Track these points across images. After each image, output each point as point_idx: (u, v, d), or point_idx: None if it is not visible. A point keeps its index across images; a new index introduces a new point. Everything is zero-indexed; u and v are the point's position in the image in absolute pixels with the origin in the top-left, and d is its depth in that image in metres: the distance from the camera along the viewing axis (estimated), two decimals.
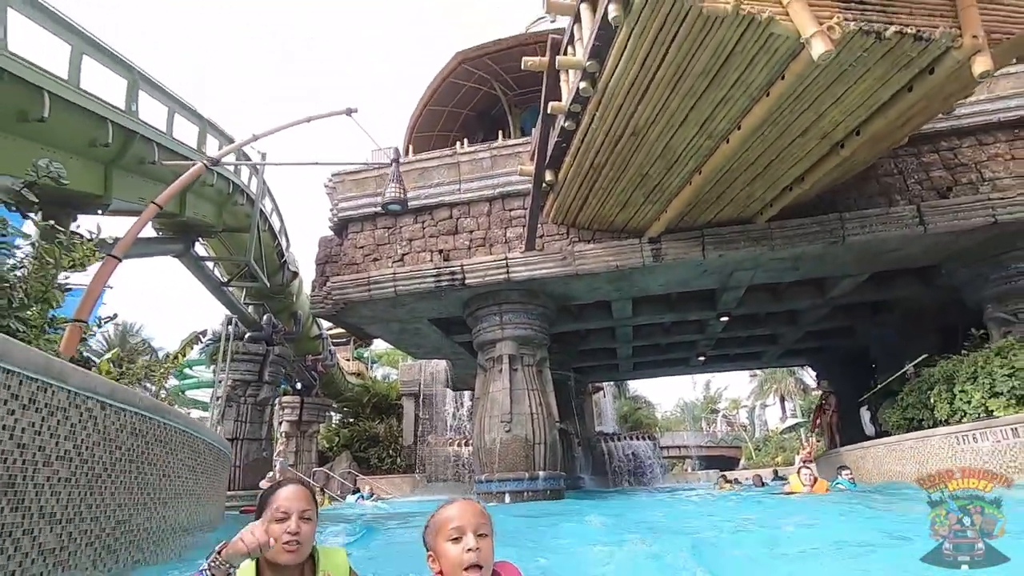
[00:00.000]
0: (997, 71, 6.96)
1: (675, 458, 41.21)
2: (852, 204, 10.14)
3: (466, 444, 20.27)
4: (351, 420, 27.25)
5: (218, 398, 13.84)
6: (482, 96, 14.82)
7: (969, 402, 6.94)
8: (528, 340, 11.71)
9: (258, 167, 12.56)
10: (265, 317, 15.63)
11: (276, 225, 15.00)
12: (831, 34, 5.89)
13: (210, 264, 13.48)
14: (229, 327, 14.09)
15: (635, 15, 6.51)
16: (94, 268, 5.30)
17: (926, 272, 12.05)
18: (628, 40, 6.84)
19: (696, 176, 8.82)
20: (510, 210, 11.71)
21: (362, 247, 12.28)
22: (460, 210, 11.96)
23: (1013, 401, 6.38)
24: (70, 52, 5.79)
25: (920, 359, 10.25)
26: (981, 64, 6.18)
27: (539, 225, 11.13)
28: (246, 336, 14.91)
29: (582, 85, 7.89)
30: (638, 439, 22.96)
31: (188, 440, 4.79)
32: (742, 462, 36.09)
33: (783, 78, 6.73)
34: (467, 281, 11.22)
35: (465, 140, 13.20)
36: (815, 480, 8.87)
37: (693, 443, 35.39)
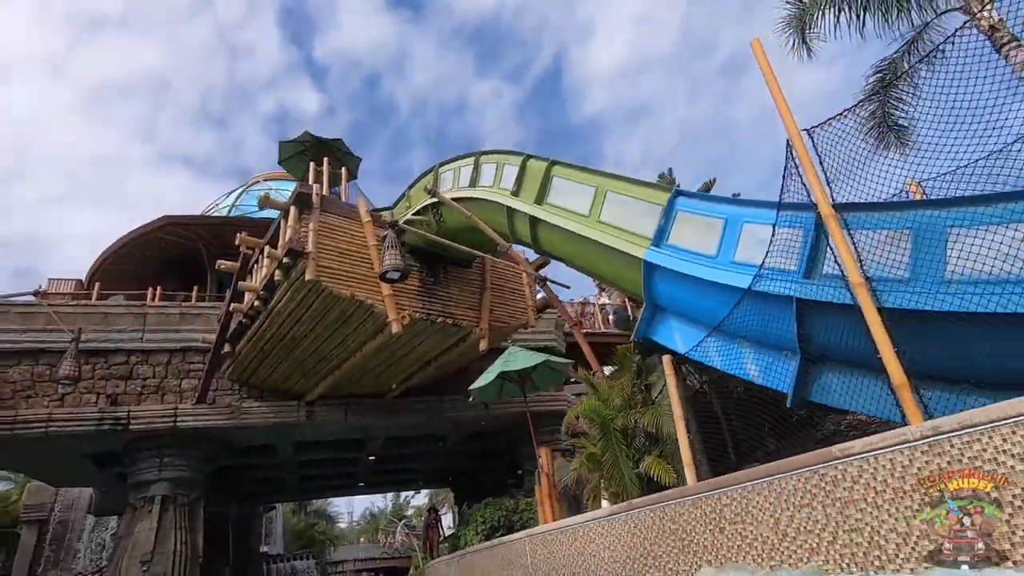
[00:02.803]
0: (493, 344, 12.54)
1: (352, 572, 41.90)
2: (451, 389, 15.06)
3: None
4: None
5: None
6: (184, 248, 16.50)
7: (470, 535, 11.61)
8: (184, 481, 13.13)
9: None
10: None
11: None
12: (403, 320, 10.34)
13: None
14: None
15: (291, 282, 10.05)
16: None
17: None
18: (288, 291, 10.30)
19: (338, 370, 12.45)
20: (190, 363, 13.50)
21: (13, 383, 12.31)
22: (139, 357, 13.21)
23: (482, 536, 11.18)
24: None
25: (466, 502, 15.32)
26: (483, 344, 11.41)
27: (215, 381, 13.21)
28: None
29: (256, 303, 10.99)
30: (300, 559, 24.19)
31: None
32: (411, 571, 39.01)
33: (383, 332, 10.96)
34: (131, 427, 12.37)
35: (159, 288, 14.69)
36: None
37: (366, 555, 37.19)
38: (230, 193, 19.51)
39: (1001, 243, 3.65)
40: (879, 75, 9.62)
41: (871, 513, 3.20)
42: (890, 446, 3.17)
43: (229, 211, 18.18)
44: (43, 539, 21.64)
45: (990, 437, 2.70)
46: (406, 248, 11.10)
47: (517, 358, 8.60)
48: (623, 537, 5.13)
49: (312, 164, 11.41)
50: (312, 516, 38.60)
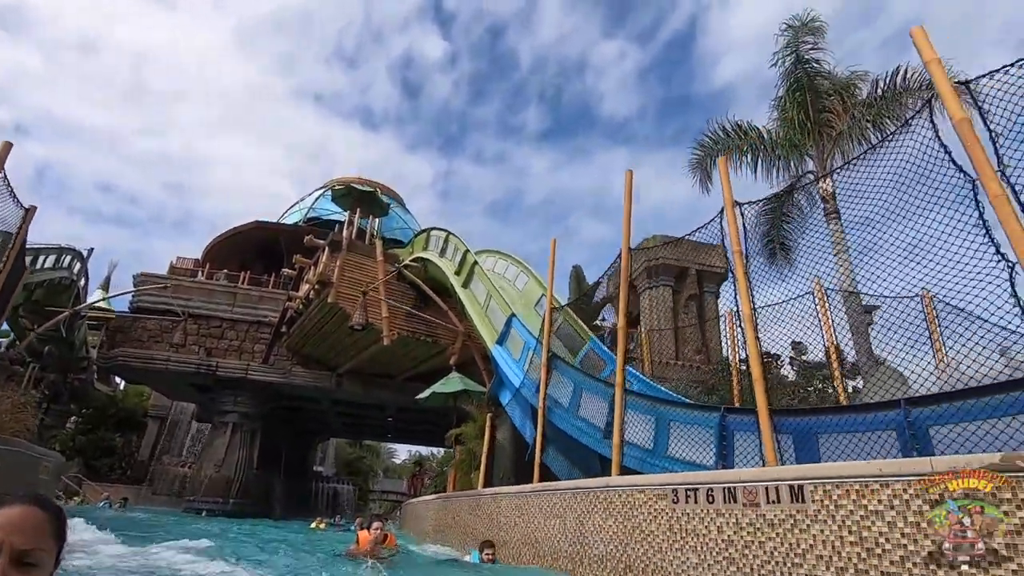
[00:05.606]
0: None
1: (392, 501, 48.92)
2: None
3: (191, 467, 25.34)
4: (90, 428, 29.75)
5: None
6: (269, 242, 21.75)
7: (428, 491, 16.09)
8: (249, 415, 18.58)
9: (84, 257, 17.71)
10: (47, 348, 19.75)
11: (81, 284, 19.69)
12: (392, 336, 14.57)
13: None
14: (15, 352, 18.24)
15: (321, 299, 14.55)
16: None
17: None
18: (319, 305, 14.83)
19: (356, 358, 17.04)
20: (261, 333, 18.73)
21: (150, 330, 18.10)
22: (228, 324, 18.61)
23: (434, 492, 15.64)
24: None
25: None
26: (453, 359, 15.42)
27: (275, 349, 18.35)
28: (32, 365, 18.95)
29: (300, 307, 15.68)
30: (342, 483, 30.17)
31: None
32: None
33: (381, 340, 15.26)
34: (218, 374, 17.82)
35: (248, 272, 20.00)
36: (385, 536, 16.63)
37: (391, 488, 43.86)
38: (310, 195, 24.60)
39: (592, 405, 7.05)
40: (771, 206, 12.18)
41: (528, 520, 6.92)
42: (523, 493, 6.85)
43: (308, 211, 23.30)
44: (162, 431, 29.06)
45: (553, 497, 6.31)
46: (406, 282, 15.25)
47: (449, 384, 12.51)
48: (440, 511, 9.09)
49: (348, 213, 15.76)
50: (363, 450, 45.58)
